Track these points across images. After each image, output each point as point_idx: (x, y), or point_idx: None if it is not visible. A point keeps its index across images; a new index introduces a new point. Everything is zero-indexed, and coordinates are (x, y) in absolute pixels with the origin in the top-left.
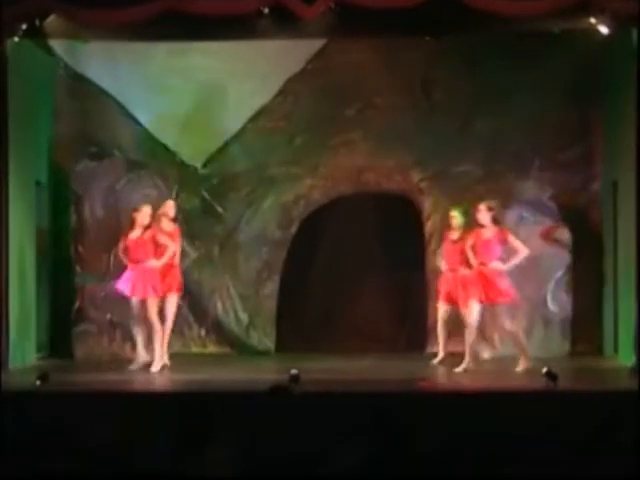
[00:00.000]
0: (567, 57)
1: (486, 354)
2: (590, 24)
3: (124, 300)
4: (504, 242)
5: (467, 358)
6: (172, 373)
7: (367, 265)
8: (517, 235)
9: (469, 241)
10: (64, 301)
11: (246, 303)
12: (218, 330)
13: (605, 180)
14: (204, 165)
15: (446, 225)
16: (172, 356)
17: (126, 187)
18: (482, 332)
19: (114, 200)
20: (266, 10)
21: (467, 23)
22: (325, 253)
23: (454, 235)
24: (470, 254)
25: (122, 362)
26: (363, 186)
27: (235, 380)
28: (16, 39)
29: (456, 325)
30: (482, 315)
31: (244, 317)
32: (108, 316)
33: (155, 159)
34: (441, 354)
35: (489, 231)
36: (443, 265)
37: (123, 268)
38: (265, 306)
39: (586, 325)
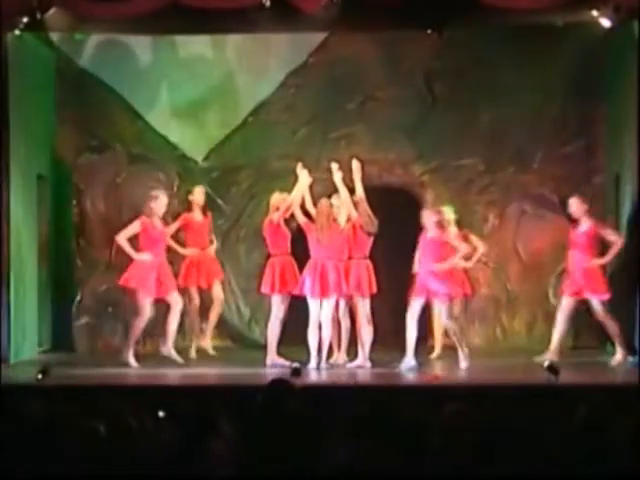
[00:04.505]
0: (569, 50)
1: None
2: (592, 17)
3: (125, 294)
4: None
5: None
6: (173, 367)
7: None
8: (519, 229)
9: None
10: (65, 295)
11: (248, 297)
12: (220, 324)
13: (607, 173)
14: (205, 158)
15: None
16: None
17: (127, 180)
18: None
19: (115, 193)
20: (268, 3)
21: (469, 16)
22: None
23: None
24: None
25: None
26: (364, 179)
27: (236, 374)
28: (17, 32)
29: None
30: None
31: (246, 311)
32: (110, 309)
33: (156, 152)
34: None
35: (432, 232)
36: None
37: (124, 261)
38: (267, 300)
39: (588, 319)
